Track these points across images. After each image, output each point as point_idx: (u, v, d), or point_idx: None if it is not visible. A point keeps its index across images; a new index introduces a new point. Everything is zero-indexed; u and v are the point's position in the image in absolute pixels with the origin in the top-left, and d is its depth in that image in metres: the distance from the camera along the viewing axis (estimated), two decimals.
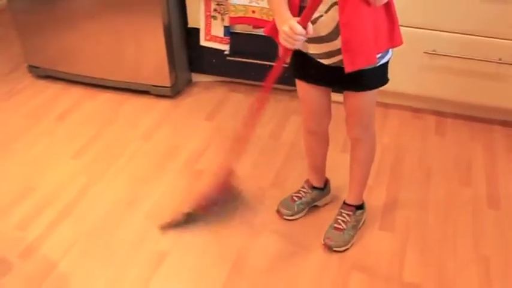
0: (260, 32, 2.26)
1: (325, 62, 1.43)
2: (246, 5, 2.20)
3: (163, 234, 1.65)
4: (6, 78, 2.68)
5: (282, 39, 1.33)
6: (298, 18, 1.29)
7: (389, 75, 1.51)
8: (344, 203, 1.75)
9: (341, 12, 1.30)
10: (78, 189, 1.95)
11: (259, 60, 2.37)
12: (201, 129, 2.29)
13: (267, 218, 1.81)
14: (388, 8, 1.36)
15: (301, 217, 1.80)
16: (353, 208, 1.73)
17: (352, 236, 1.70)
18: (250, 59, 2.40)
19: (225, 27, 2.32)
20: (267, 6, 2.15)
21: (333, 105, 1.64)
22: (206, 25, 2.35)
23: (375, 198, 1.88)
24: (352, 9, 1.29)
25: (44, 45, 2.55)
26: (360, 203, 1.75)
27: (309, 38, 1.35)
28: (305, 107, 1.64)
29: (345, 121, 1.59)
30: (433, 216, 1.82)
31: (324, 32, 1.36)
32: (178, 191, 1.94)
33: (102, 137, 2.25)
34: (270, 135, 2.23)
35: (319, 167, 1.79)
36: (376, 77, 1.47)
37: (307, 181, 1.83)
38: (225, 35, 2.34)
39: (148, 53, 2.40)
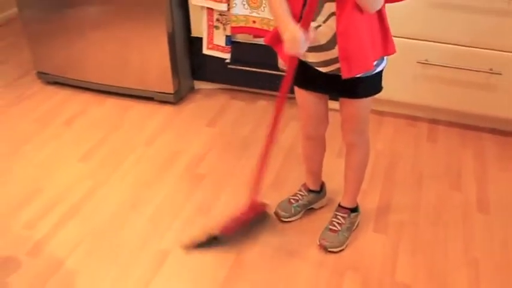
0: (260, 41, 2.27)
1: (323, 70, 1.44)
2: (246, 15, 2.20)
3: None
4: (16, 83, 2.69)
5: (286, 48, 1.35)
6: (299, 25, 1.31)
7: (384, 84, 1.52)
8: (339, 205, 1.76)
9: (338, 21, 1.32)
10: (84, 191, 1.95)
11: (259, 68, 2.39)
12: (203, 134, 2.29)
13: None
14: (381, 17, 1.37)
15: (298, 219, 1.81)
16: (348, 211, 1.73)
17: (347, 238, 1.70)
18: (250, 67, 2.40)
19: (227, 36, 2.32)
20: (267, 17, 2.17)
21: (329, 113, 1.65)
22: (208, 34, 2.35)
23: (369, 202, 1.88)
24: (348, 19, 1.31)
25: (53, 52, 2.55)
26: (355, 205, 1.75)
27: (308, 47, 1.36)
28: (303, 113, 1.65)
29: (341, 127, 1.60)
30: (425, 219, 1.82)
31: (322, 41, 1.38)
32: (180, 194, 1.94)
33: (108, 141, 2.25)
34: None
35: (315, 171, 1.80)
36: (371, 85, 1.49)
37: (304, 184, 1.84)
38: (226, 44, 2.34)
39: (152, 60, 2.40)
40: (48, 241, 1.73)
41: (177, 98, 2.51)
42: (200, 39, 2.40)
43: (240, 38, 2.34)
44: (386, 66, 1.49)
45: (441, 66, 2.14)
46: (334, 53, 1.38)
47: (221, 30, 2.32)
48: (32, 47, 2.59)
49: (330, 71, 1.43)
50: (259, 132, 2.28)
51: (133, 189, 1.97)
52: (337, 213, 1.74)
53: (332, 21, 1.34)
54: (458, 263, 1.65)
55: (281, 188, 1.95)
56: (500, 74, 2.08)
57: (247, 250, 1.70)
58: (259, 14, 2.18)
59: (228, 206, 1.88)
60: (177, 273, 1.63)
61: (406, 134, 2.28)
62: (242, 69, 2.42)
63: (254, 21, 2.21)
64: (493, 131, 2.28)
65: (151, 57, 2.40)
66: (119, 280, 1.60)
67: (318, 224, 1.76)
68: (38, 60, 2.62)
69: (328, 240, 1.68)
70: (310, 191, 1.82)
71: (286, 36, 1.34)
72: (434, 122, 2.35)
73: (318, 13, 1.33)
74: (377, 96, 1.54)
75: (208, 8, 2.28)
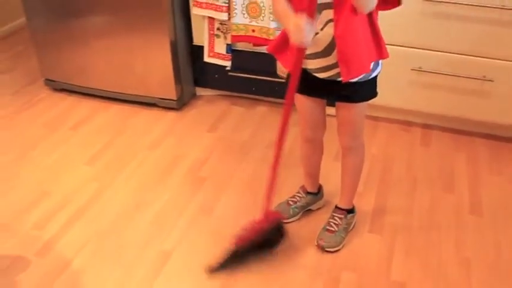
0: (259, 49, 2.28)
1: (322, 75, 1.45)
2: (246, 24, 2.21)
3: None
4: (25, 91, 2.69)
5: (292, 40, 1.31)
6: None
7: (379, 90, 1.54)
8: (336, 207, 1.76)
9: (336, 26, 1.33)
10: (90, 194, 1.96)
11: (259, 75, 2.39)
12: (204, 139, 2.30)
13: None
14: (372, 22, 1.38)
15: (296, 220, 1.81)
16: (344, 212, 1.74)
17: (343, 238, 1.71)
18: (250, 75, 2.41)
19: (227, 45, 2.32)
20: (266, 26, 2.17)
21: (327, 119, 1.66)
22: (210, 43, 2.36)
23: (364, 204, 1.88)
24: (345, 23, 1.32)
25: (60, 60, 2.56)
26: (351, 207, 1.76)
27: (306, 54, 1.38)
28: (302, 117, 1.66)
29: (337, 131, 1.61)
30: (419, 220, 1.82)
31: (320, 48, 1.39)
32: (182, 196, 1.95)
33: (113, 145, 2.26)
34: (269, 145, 2.21)
35: (313, 173, 1.81)
36: (366, 90, 1.50)
37: (302, 187, 1.85)
38: (227, 52, 2.34)
39: (156, 68, 2.41)
40: (55, 242, 1.74)
41: (180, 104, 2.51)
42: (202, 48, 2.40)
43: (240, 46, 2.34)
44: (381, 73, 1.51)
45: (434, 73, 2.14)
46: (331, 59, 1.40)
47: (222, 38, 2.33)
48: (40, 55, 2.60)
49: (328, 77, 1.45)
50: (259, 137, 2.30)
51: (137, 192, 1.98)
52: (334, 214, 1.75)
53: (329, 28, 1.35)
54: (451, 263, 1.65)
55: (280, 190, 1.91)
56: (493, 81, 2.08)
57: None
58: (258, 23, 2.19)
59: (229, 206, 1.89)
60: (180, 273, 1.63)
61: (400, 138, 2.28)
62: (242, 77, 2.43)
63: (253, 30, 2.22)
64: (485, 136, 2.28)
65: (154, 65, 2.40)
66: (123, 279, 1.61)
67: (315, 224, 1.76)
68: (45, 68, 2.63)
69: (326, 240, 1.69)
70: (308, 193, 1.83)
71: (290, 26, 1.30)
72: (427, 127, 2.35)
73: (315, 20, 1.33)
74: (372, 102, 1.54)
75: (209, 18, 2.29)
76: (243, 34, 2.24)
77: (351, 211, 1.76)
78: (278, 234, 1.66)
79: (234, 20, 2.22)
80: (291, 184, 1.94)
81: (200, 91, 2.64)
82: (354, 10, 1.30)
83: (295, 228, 1.78)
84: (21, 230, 1.80)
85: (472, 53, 2.08)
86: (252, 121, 2.43)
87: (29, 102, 2.59)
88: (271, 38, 2.17)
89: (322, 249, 1.68)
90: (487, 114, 2.20)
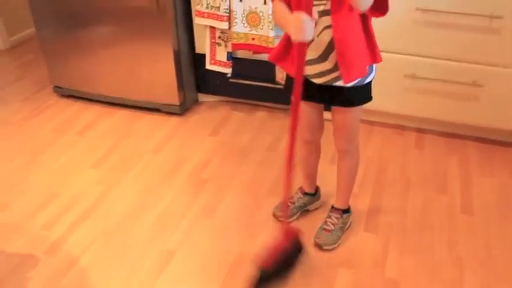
0: (259, 57, 2.29)
1: (318, 81, 1.46)
2: (246, 33, 2.22)
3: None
4: (34, 97, 2.71)
5: (293, 36, 1.26)
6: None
7: (374, 96, 1.54)
8: (332, 207, 1.77)
9: (335, 31, 1.34)
10: (96, 196, 1.97)
11: (258, 82, 2.40)
12: (206, 143, 2.30)
13: (265, 220, 1.83)
14: (367, 28, 1.39)
15: (294, 219, 1.82)
16: (340, 212, 1.75)
17: (340, 237, 1.72)
18: (250, 81, 2.42)
19: (228, 52, 2.33)
20: (265, 34, 2.19)
21: (325, 123, 1.67)
22: (211, 51, 2.37)
23: (360, 204, 1.89)
24: (343, 28, 1.33)
25: (68, 68, 2.57)
26: (347, 207, 1.77)
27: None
28: (300, 121, 1.65)
29: (333, 134, 1.62)
30: (412, 220, 1.83)
31: (316, 54, 1.40)
32: (185, 197, 1.96)
33: (118, 149, 2.27)
34: (268, 148, 2.25)
35: (311, 174, 1.81)
36: (361, 94, 1.51)
37: (300, 188, 1.86)
38: (227, 60, 2.36)
39: (159, 75, 2.42)
40: (63, 241, 1.75)
41: (183, 109, 2.52)
42: (203, 56, 2.41)
43: (240, 54, 2.36)
44: (376, 79, 1.52)
45: (427, 79, 2.15)
46: (327, 65, 1.41)
47: (223, 47, 2.34)
48: (49, 63, 2.61)
49: (324, 82, 1.45)
50: (258, 141, 2.31)
51: (141, 193, 1.99)
52: (331, 214, 1.76)
53: (325, 35, 1.36)
54: (444, 261, 1.66)
55: (279, 191, 1.90)
56: (483, 86, 2.09)
57: (248, 247, 1.70)
58: (257, 31, 2.21)
59: (230, 207, 1.90)
60: (182, 271, 1.64)
61: (394, 142, 2.29)
62: (242, 83, 2.44)
63: (253, 38, 2.23)
64: (476, 140, 2.28)
65: (158, 72, 2.41)
66: (128, 277, 1.62)
67: (313, 224, 1.77)
68: (54, 76, 2.64)
69: (323, 239, 1.70)
70: (305, 193, 1.84)
71: (290, 23, 1.25)
72: (421, 131, 2.35)
73: (313, 18, 1.30)
74: (367, 107, 1.55)
75: (211, 27, 2.30)
76: (243, 42, 2.26)
77: (346, 211, 1.77)
78: (298, 251, 1.61)
79: (235, 29, 2.23)
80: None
81: (202, 97, 2.65)
82: (351, 16, 1.32)
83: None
84: (31, 230, 1.81)
85: (463, 60, 2.09)
86: (251, 126, 2.44)
87: (38, 109, 2.61)
88: (270, 46, 2.19)
89: (320, 247, 1.69)
90: (478, 118, 2.20)
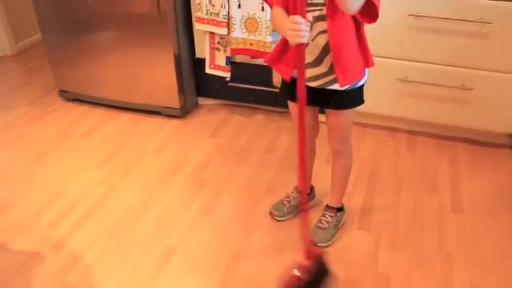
0: (257, 61, 2.31)
1: (312, 84, 1.47)
2: (244, 38, 2.23)
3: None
4: (40, 101, 2.72)
5: (291, 39, 1.23)
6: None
7: (367, 99, 1.55)
8: (327, 206, 1.79)
9: (330, 36, 1.35)
10: (99, 195, 1.98)
11: (256, 86, 2.41)
12: (206, 144, 2.32)
13: (262, 219, 1.84)
14: (360, 34, 1.40)
15: (290, 218, 1.83)
16: (334, 210, 1.76)
17: (334, 234, 1.73)
18: (248, 85, 2.43)
19: (227, 57, 2.34)
20: (263, 40, 2.20)
21: (320, 125, 1.68)
22: (211, 56, 2.38)
23: (353, 203, 1.90)
24: (338, 33, 1.35)
25: (73, 73, 2.59)
26: (340, 206, 1.78)
27: None
28: (296, 123, 1.69)
29: (327, 136, 1.63)
30: (404, 218, 1.84)
31: (311, 58, 1.42)
32: (185, 197, 1.97)
33: (121, 151, 2.28)
34: (265, 150, 2.26)
35: (306, 175, 1.81)
36: (354, 97, 1.52)
37: (295, 187, 1.87)
38: (226, 64, 2.36)
39: (161, 79, 2.43)
40: (68, 238, 1.76)
41: (183, 112, 2.53)
42: (203, 60, 2.42)
43: (239, 58, 2.37)
44: (369, 82, 1.53)
45: (419, 82, 2.16)
46: (321, 68, 1.42)
47: (222, 51, 2.35)
48: (54, 68, 2.63)
49: (319, 85, 1.47)
50: (256, 143, 2.32)
51: (143, 193, 2.00)
52: (325, 212, 1.77)
53: (319, 39, 1.37)
54: (434, 256, 1.67)
55: (275, 191, 1.97)
56: (472, 89, 2.11)
57: (246, 245, 1.72)
58: (255, 37, 2.22)
59: (229, 207, 1.91)
60: (182, 268, 1.65)
61: (387, 143, 2.30)
62: (241, 87, 2.45)
63: (251, 44, 2.24)
64: (466, 141, 2.30)
65: (159, 77, 2.43)
66: (130, 273, 1.63)
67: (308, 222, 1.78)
68: (59, 80, 2.66)
69: (317, 237, 1.71)
70: None
71: (287, 25, 1.23)
72: (413, 133, 2.37)
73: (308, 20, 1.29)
74: (361, 109, 1.56)
75: (210, 32, 2.32)
76: (242, 47, 2.27)
77: (340, 209, 1.79)
78: (324, 274, 1.47)
79: (233, 35, 2.25)
80: (285, 185, 1.97)
81: (202, 100, 2.66)
82: (345, 21, 1.33)
83: (289, 226, 1.80)
84: (37, 228, 1.82)
85: (453, 64, 2.10)
86: (250, 128, 2.45)
87: (44, 112, 2.62)
88: (268, 51, 2.19)
89: (314, 244, 1.69)
90: (468, 120, 2.21)
